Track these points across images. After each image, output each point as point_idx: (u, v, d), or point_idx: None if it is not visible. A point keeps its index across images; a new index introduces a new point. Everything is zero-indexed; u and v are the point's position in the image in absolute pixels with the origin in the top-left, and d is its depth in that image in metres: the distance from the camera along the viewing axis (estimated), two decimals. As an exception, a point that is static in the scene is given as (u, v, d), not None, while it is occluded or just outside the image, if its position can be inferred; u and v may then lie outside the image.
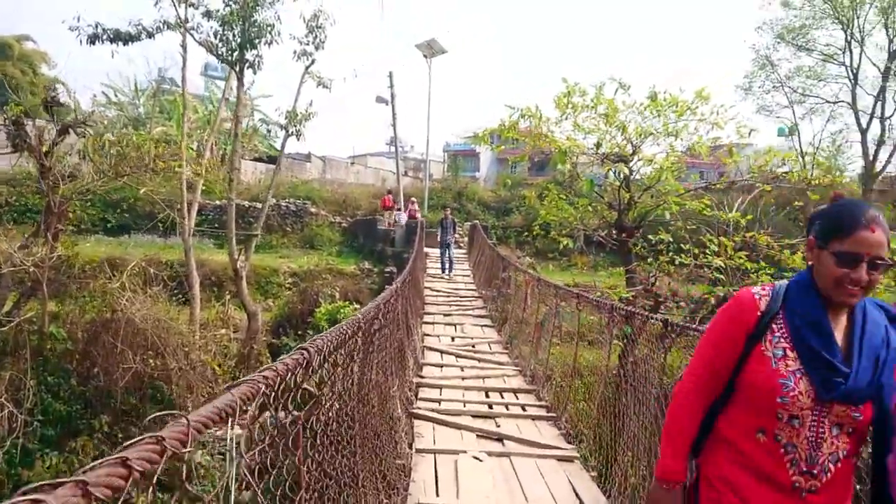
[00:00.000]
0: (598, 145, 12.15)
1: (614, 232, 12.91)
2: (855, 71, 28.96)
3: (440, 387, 8.13)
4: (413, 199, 28.30)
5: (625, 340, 7.68)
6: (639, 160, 12.59)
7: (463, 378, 8.65)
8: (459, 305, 14.37)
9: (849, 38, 28.51)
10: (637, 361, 7.53)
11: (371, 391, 4.71)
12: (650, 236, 12.91)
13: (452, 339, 11.18)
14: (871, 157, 28.61)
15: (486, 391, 8.16)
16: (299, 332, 17.33)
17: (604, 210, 14.31)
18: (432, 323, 12.34)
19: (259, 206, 28.82)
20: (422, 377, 8.51)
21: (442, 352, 10.06)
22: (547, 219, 14.32)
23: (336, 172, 39.39)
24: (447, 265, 18.74)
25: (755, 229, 12.28)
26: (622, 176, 13.07)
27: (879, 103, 28.68)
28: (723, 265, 11.56)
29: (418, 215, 25.12)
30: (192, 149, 36.26)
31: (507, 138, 13.62)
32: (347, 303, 17.19)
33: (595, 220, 14.63)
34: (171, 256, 23.57)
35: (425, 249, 21.07)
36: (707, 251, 11.74)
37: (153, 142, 18.03)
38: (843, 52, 28.94)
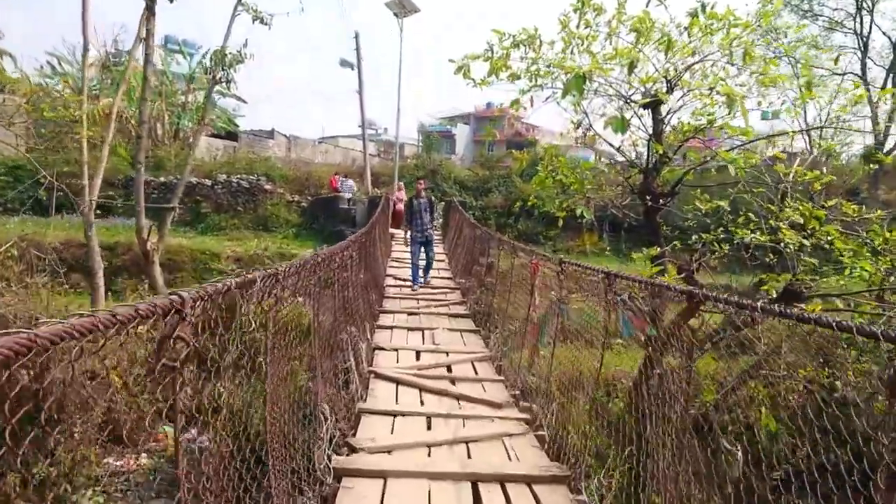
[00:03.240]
0: (631, 67, 7.89)
1: (648, 200, 8.73)
2: (865, 40, 25.11)
3: (384, 475, 3.87)
4: (400, 183, 23.42)
5: (649, 346, 5.15)
6: (687, 92, 8.41)
7: (431, 447, 4.39)
8: (430, 299, 10.09)
9: (860, 2, 24.63)
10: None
11: None
12: (689, 206, 8.86)
13: (417, 355, 6.91)
14: (882, 134, 24.83)
15: (475, 482, 3.91)
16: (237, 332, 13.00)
17: (619, 174, 10.21)
18: (390, 327, 8.06)
19: (208, 182, 24.41)
20: (355, 448, 4.24)
21: (398, 381, 5.80)
22: (544, 186, 10.09)
23: (302, 152, 34.81)
24: (421, 271, 11.19)
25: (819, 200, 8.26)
26: (652, 122, 8.96)
27: (891, 76, 24.93)
28: (806, 244, 7.51)
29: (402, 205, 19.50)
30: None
31: (496, 70, 9.30)
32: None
33: (608, 190, 10.51)
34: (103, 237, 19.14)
35: (391, 230, 16.77)
36: (780, 224, 7.67)
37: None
38: (854, 18, 25.05)
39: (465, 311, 9.48)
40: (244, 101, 33.51)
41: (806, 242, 7.44)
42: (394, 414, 4.98)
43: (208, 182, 23.85)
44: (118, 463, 10.32)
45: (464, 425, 4.84)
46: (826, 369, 7.82)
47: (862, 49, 25.24)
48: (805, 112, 26.72)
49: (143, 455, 10.65)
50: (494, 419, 5.01)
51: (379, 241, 11.80)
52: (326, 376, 4.90)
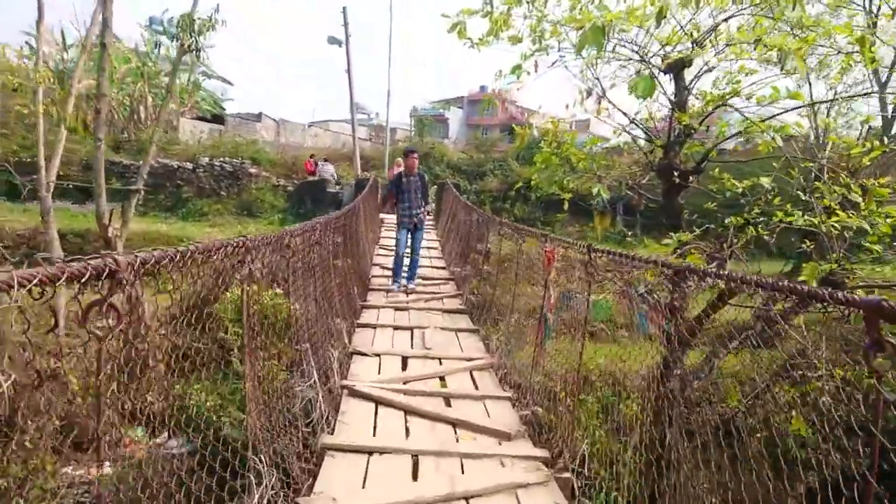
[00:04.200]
0: (660, 16, 6.52)
1: (676, 177, 7.40)
2: (874, 18, 23.83)
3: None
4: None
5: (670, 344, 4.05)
6: (723, 49, 7.08)
7: (416, 509, 3.09)
8: (421, 292, 8.76)
9: (870, -24, 23.30)
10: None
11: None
12: (715, 185, 7.53)
13: (404, 362, 5.59)
14: (889, 114, 23.60)
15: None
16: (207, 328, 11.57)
17: (633, 149, 8.93)
18: (373, 326, 6.73)
19: (190, 166, 22.89)
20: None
21: (378, 401, 4.48)
22: (549, 163, 8.72)
23: (291, 135, 33.28)
24: (407, 266, 8.93)
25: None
26: (675, 89, 7.66)
27: (899, 54, 23.61)
28: (867, 228, 6.19)
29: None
30: (125, 105, 30.06)
31: (496, 29, 7.91)
32: (269, 286, 11.49)
33: (624, 168, 9.22)
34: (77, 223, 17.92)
35: (381, 215, 15.39)
36: (832, 204, 6.40)
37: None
38: (863, -7, 23.74)
39: (460, 304, 8.17)
40: (230, 83, 32.05)
41: (867, 226, 6.12)
42: (369, 451, 3.66)
43: (190, 165, 22.38)
44: (78, 473, 8.88)
45: (462, 470, 3.53)
46: (862, 367, 6.54)
47: (871, 26, 24.02)
48: (811, 89, 25.41)
49: (107, 463, 9.19)
50: (503, 460, 3.69)
51: (364, 224, 10.46)
52: (270, 405, 3.58)
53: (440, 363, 5.57)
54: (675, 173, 7.36)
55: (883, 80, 23.29)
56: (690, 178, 7.45)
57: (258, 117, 32.28)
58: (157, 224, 19.44)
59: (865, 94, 11.37)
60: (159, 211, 21.43)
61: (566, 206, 9.04)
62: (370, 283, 9.13)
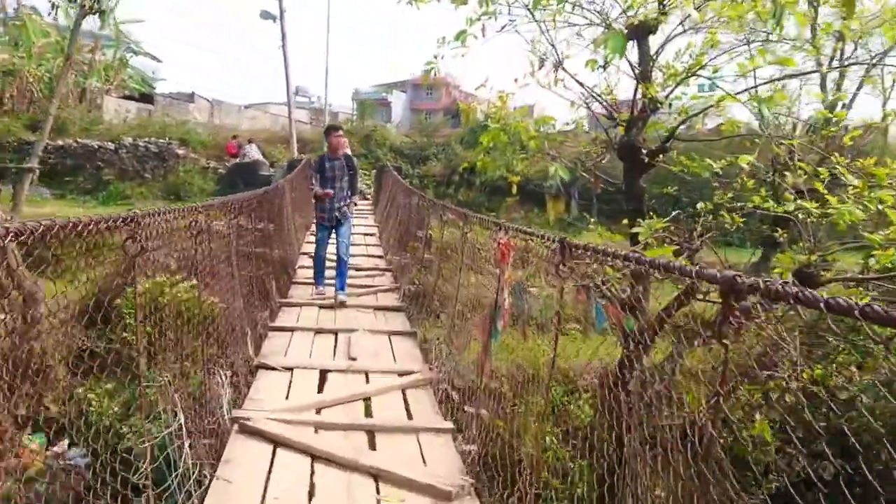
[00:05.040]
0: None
1: (644, 156, 6.39)
2: (815, 5, 23.62)
3: None
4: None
5: (628, 340, 3.74)
6: (704, 3, 6.08)
7: None
8: (352, 286, 7.54)
9: (811, -33, 23.02)
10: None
11: None
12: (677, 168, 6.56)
13: (322, 379, 4.39)
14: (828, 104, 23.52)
15: None
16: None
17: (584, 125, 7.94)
18: (290, 329, 5.51)
19: (112, 146, 20.91)
20: None
21: (277, 442, 3.30)
22: (498, 141, 7.61)
23: (227, 117, 31.31)
24: (333, 271, 6.93)
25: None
26: (639, 58, 6.68)
27: (841, 43, 23.54)
28: (861, 214, 5.29)
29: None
30: (45, 82, 27.68)
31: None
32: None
33: (583, 144, 8.28)
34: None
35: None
36: (818, 185, 5.51)
37: None
38: (805, -16, 23.47)
39: (397, 300, 7.01)
40: (159, 61, 29.83)
41: (861, 214, 5.18)
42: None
43: (111, 146, 20.47)
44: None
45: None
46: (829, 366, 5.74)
47: (813, 17, 23.80)
48: (755, 81, 25.25)
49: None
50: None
51: (292, 207, 9.18)
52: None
53: (367, 379, 4.41)
54: (643, 152, 6.37)
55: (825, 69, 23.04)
56: (657, 157, 6.47)
57: (191, 97, 30.25)
58: (74, 208, 17.67)
59: (840, 69, 10.69)
60: (78, 194, 19.62)
61: (514, 189, 8.01)
62: (295, 274, 7.90)
